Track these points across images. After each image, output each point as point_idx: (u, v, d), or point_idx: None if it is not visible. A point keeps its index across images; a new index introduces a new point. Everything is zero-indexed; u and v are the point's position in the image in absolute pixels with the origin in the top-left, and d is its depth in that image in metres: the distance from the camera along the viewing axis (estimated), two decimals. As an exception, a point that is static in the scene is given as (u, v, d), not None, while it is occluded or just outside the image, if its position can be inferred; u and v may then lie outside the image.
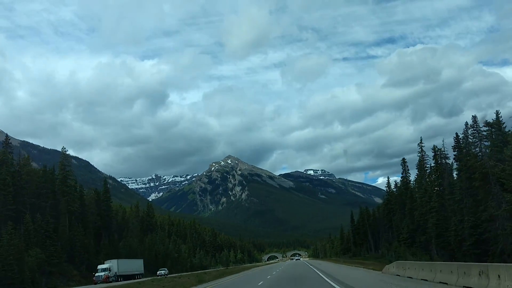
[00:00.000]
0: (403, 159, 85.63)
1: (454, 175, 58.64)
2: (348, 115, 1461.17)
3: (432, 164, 68.64)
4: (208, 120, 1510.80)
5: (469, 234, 48.49)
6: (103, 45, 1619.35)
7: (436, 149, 61.99)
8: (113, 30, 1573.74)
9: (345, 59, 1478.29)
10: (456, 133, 52.88)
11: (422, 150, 70.83)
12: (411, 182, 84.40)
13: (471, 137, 49.58)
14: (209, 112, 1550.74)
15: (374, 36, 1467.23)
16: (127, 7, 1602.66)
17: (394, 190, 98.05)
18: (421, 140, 70.46)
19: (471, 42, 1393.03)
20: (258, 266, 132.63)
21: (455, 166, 57.54)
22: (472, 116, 48.59)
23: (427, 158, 70.93)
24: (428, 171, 73.05)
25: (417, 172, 78.04)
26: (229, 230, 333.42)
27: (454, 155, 54.57)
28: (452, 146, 53.95)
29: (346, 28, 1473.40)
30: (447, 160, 63.72)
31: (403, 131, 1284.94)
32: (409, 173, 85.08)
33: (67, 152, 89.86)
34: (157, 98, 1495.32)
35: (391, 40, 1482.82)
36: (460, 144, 52.58)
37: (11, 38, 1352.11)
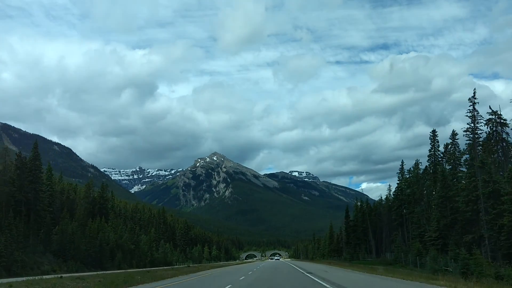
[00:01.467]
0: (434, 130, 62.68)
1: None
2: (337, 119, 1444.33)
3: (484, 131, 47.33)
4: (196, 115, 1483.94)
5: None
6: (95, 32, 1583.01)
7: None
8: (105, 17, 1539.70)
9: (338, 62, 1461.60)
10: None
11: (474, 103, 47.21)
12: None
13: None
14: (198, 107, 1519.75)
15: (368, 41, 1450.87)
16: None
17: (408, 176, 75.42)
18: (474, 93, 47.60)
19: (463, 54, 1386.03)
20: (229, 265, 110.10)
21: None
22: None
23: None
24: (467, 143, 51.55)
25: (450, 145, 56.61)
26: (209, 226, 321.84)
27: None
28: None
29: (341, 31, 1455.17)
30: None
31: (390, 138, 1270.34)
32: (438, 150, 62.20)
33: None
34: (146, 89, 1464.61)
35: (385, 46, 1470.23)
36: None
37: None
